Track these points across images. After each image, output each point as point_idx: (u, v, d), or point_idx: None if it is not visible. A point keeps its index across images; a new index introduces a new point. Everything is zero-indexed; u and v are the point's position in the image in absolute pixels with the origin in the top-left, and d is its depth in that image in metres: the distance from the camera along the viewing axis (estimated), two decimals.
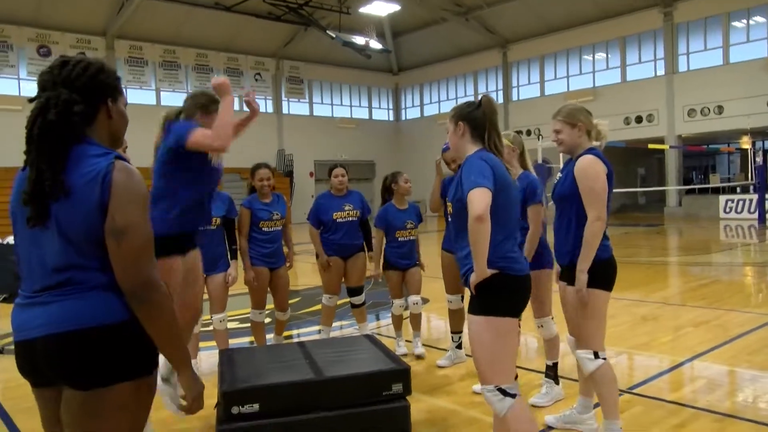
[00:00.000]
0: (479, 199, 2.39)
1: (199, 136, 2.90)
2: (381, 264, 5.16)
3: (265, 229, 4.82)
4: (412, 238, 5.07)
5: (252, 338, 5.20)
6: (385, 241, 5.13)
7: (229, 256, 4.63)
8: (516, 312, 2.56)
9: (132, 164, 1.79)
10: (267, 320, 5.17)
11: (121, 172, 1.67)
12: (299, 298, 8.11)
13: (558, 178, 3.26)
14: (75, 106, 1.70)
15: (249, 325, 5.14)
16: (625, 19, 21.91)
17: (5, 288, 4.95)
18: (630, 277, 8.87)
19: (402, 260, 5.08)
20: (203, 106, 3.20)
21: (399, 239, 5.04)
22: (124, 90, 1.90)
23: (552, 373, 3.89)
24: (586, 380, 3.33)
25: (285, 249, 5.09)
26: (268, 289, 4.94)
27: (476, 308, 2.53)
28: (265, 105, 26.83)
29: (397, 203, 5.10)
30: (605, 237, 3.13)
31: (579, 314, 3.06)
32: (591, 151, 3.12)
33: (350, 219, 5.12)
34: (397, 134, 30.75)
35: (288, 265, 5.04)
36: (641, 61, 22.22)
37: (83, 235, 1.66)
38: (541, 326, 3.91)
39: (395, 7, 22.91)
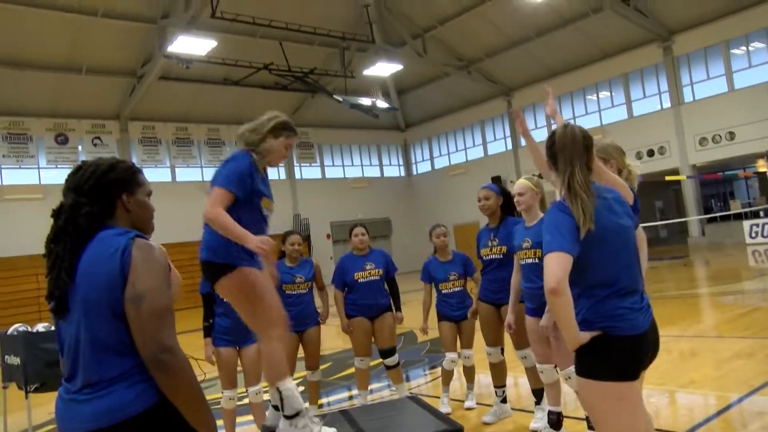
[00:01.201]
0: (552, 269, 2.09)
1: (212, 195, 2.96)
2: (427, 318, 5.13)
3: (288, 292, 4.81)
4: (457, 289, 4.99)
5: None
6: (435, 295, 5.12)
7: None
8: (628, 375, 2.17)
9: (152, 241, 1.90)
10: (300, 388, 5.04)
11: (141, 248, 1.78)
12: (330, 363, 7.95)
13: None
14: (82, 209, 1.85)
15: None
16: (626, 56, 22.19)
17: (37, 377, 4.88)
18: (662, 313, 8.64)
19: (453, 312, 4.99)
20: (273, 129, 3.21)
21: (443, 291, 5.02)
22: (144, 181, 2.01)
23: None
24: None
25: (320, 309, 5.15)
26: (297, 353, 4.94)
27: (581, 370, 2.23)
28: (278, 171, 27.20)
29: (439, 255, 5.09)
30: None
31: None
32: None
33: (372, 278, 5.05)
34: (409, 189, 30.92)
35: (321, 321, 5.09)
36: (646, 95, 22.36)
37: (106, 303, 1.74)
38: (569, 378, 3.74)
39: (398, 67, 23.43)
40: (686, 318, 8.24)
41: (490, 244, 4.55)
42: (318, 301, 5.16)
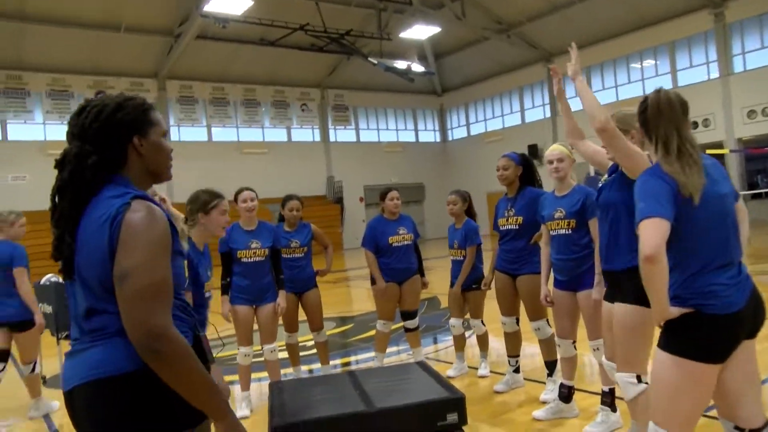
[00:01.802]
0: (650, 235, 1.97)
1: None
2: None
3: (285, 256, 4.84)
4: (458, 258, 5.05)
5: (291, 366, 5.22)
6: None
7: (276, 286, 4.62)
8: (716, 357, 2.08)
9: (168, 203, 1.71)
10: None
11: (136, 212, 1.55)
12: (352, 324, 8.04)
13: (603, 180, 3.05)
14: (88, 159, 1.62)
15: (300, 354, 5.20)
16: (673, 23, 21.30)
17: (67, 326, 5.07)
18: None
19: (454, 280, 5.09)
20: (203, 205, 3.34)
21: (451, 258, 5.15)
22: (158, 120, 1.76)
23: (608, 399, 3.64)
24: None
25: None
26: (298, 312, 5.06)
27: (664, 344, 2.15)
28: (312, 134, 27.27)
29: (456, 223, 5.13)
30: None
31: (624, 333, 2.84)
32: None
33: (406, 243, 5.09)
34: (444, 155, 30.64)
35: (320, 275, 5.17)
36: (692, 65, 21.50)
37: (97, 281, 1.58)
38: (597, 349, 3.70)
39: (435, 30, 22.96)
40: None
41: (506, 214, 4.48)
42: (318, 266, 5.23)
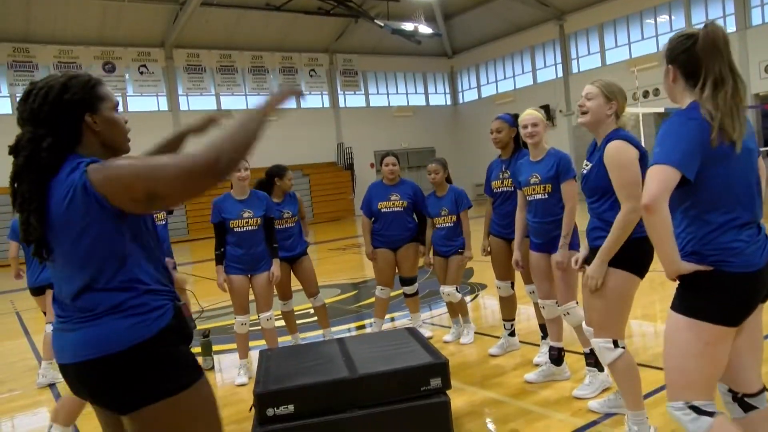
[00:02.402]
0: (653, 184, 1.87)
1: None
2: (429, 251, 5.14)
3: (278, 227, 4.86)
4: (447, 225, 4.96)
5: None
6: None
7: (270, 255, 4.64)
8: (733, 319, 1.98)
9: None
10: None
11: (96, 171, 1.59)
12: (359, 290, 8.09)
13: (586, 168, 3.01)
14: (42, 141, 1.63)
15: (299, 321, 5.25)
16: None
17: None
18: None
19: (442, 247, 5.01)
20: None
21: (437, 226, 5.03)
22: (107, 94, 1.77)
23: (593, 360, 3.66)
24: None
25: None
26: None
27: (678, 305, 2.03)
28: (321, 100, 27.07)
29: (436, 191, 5.04)
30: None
31: (600, 297, 2.82)
32: (618, 133, 2.86)
33: (395, 209, 5.06)
34: (455, 118, 30.31)
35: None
36: (709, 19, 20.89)
37: (80, 256, 1.63)
38: (567, 314, 3.70)
39: None
40: None
41: (501, 176, 4.44)
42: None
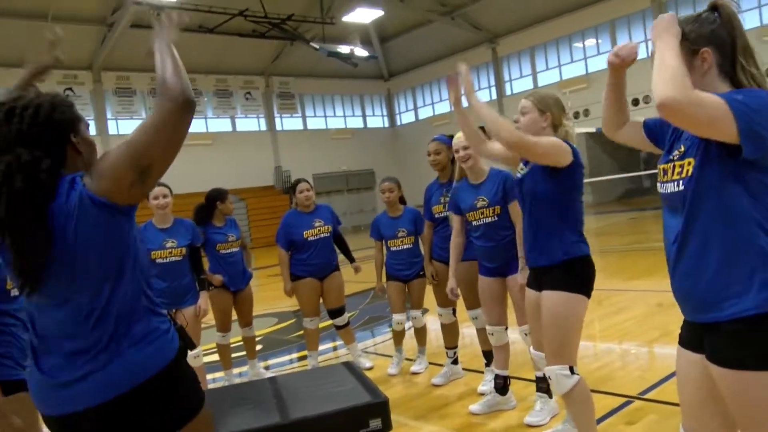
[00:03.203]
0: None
1: None
2: (383, 276, 4.89)
3: (222, 252, 4.78)
4: (406, 246, 4.72)
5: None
6: (385, 252, 4.88)
7: (198, 287, 4.33)
8: None
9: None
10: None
11: (91, 179, 1.55)
12: (294, 320, 7.79)
13: (521, 171, 2.89)
14: (41, 163, 1.53)
15: None
16: (614, 2, 21.53)
17: None
18: (638, 266, 8.50)
19: (403, 271, 4.74)
20: None
21: (392, 249, 4.77)
22: (81, 114, 1.72)
23: (544, 385, 3.52)
24: None
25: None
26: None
27: (740, 359, 1.58)
28: (258, 123, 26.66)
29: (389, 211, 4.81)
30: (580, 234, 2.81)
31: (553, 322, 2.70)
32: None
33: (322, 236, 4.83)
34: (393, 140, 30.45)
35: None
36: (631, 40, 21.78)
37: (103, 271, 1.56)
38: (527, 334, 3.56)
39: (379, 13, 22.62)
40: (663, 270, 8.10)
41: (442, 200, 4.30)
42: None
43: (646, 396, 3.69)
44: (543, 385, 3.53)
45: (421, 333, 4.87)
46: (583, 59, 23.00)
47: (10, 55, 20.29)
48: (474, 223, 3.69)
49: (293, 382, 3.22)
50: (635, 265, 8.81)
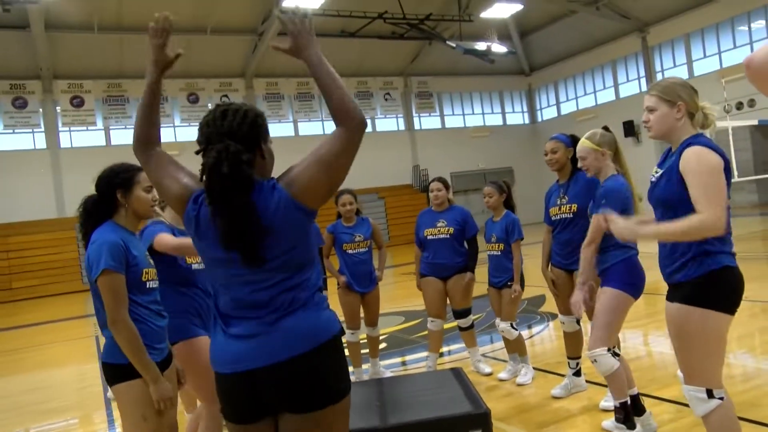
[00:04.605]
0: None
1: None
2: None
3: (349, 251, 4.93)
4: (495, 252, 4.75)
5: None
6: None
7: None
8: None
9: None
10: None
11: (289, 185, 1.81)
12: (421, 319, 7.83)
13: (655, 175, 2.63)
14: (243, 155, 1.78)
15: None
16: None
17: None
18: None
19: (494, 278, 4.77)
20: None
21: (488, 252, 4.81)
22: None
23: (621, 415, 3.25)
24: None
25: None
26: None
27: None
28: (396, 123, 27.14)
29: (494, 215, 4.82)
30: (728, 244, 2.48)
31: (689, 341, 2.44)
32: (698, 139, 2.43)
33: (441, 236, 4.85)
34: (534, 137, 29.53)
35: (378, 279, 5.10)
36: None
37: (297, 251, 1.82)
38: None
39: (518, 7, 22.09)
40: None
41: (559, 202, 4.09)
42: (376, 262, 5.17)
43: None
44: (620, 414, 3.33)
45: (516, 344, 4.76)
46: (749, 44, 20.77)
47: (176, 68, 22.32)
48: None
49: (399, 386, 3.23)
50: None
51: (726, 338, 2.47)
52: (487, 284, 4.82)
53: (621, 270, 3.34)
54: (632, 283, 3.30)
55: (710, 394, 2.40)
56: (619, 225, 2.44)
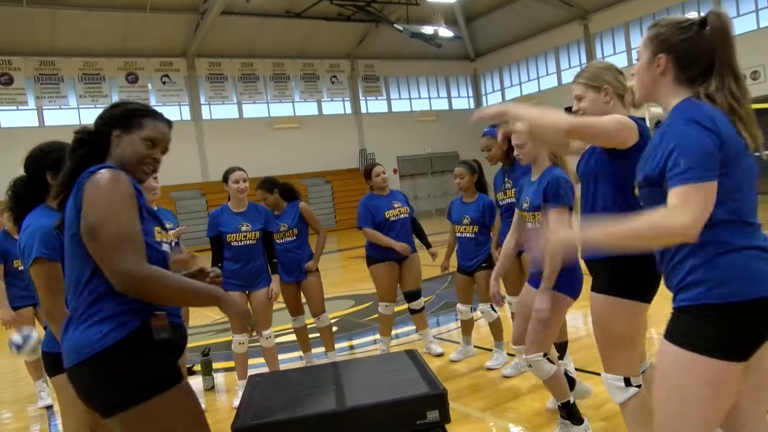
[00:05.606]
0: (695, 207, 1.57)
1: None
2: (452, 259, 4.86)
3: (278, 241, 4.63)
4: (468, 235, 4.62)
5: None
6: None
7: (270, 271, 4.42)
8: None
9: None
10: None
11: (101, 175, 1.74)
12: (370, 303, 7.84)
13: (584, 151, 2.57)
14: (83, 136, 1.91)
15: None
16: None
17: None
18: None
19: (465, 261, 4.68)
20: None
21: (458, 235, 4.70)
22: (151, 121, 1.98)
23: (565, 413, 3.19)
24: None
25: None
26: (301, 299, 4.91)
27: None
28: (343, 106, 26.94)
29: (464, 197, 4.70)
30: None
31: (603, 332, 2.43)
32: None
33: (403, 216, 4.87)
34: (479, 121, 29.87)
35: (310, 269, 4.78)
36: (740, 14, 20.21)
37: (69, 256, 1.81)
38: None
39: None
40: None
41: (503, 187, 4.16)
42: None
43: None
44: (564, 412, 3.30)
45: (496, 327, 4.68)
46: None
47: (112, 47, 21.53)
48: (528, 224, 3.48)
49: (354, 369, 3.21)
50: None
51: (642, 327, 2.49)
52: (457, 269, 4.75)
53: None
54: (569, 283, 3.08)
55: (627, 382, 2.41)
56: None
